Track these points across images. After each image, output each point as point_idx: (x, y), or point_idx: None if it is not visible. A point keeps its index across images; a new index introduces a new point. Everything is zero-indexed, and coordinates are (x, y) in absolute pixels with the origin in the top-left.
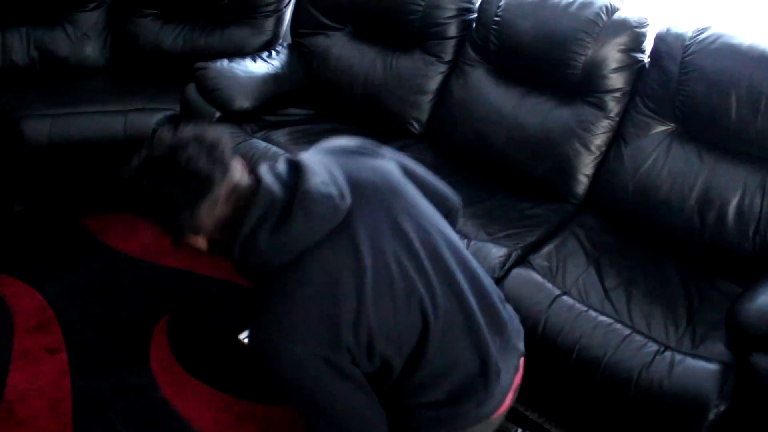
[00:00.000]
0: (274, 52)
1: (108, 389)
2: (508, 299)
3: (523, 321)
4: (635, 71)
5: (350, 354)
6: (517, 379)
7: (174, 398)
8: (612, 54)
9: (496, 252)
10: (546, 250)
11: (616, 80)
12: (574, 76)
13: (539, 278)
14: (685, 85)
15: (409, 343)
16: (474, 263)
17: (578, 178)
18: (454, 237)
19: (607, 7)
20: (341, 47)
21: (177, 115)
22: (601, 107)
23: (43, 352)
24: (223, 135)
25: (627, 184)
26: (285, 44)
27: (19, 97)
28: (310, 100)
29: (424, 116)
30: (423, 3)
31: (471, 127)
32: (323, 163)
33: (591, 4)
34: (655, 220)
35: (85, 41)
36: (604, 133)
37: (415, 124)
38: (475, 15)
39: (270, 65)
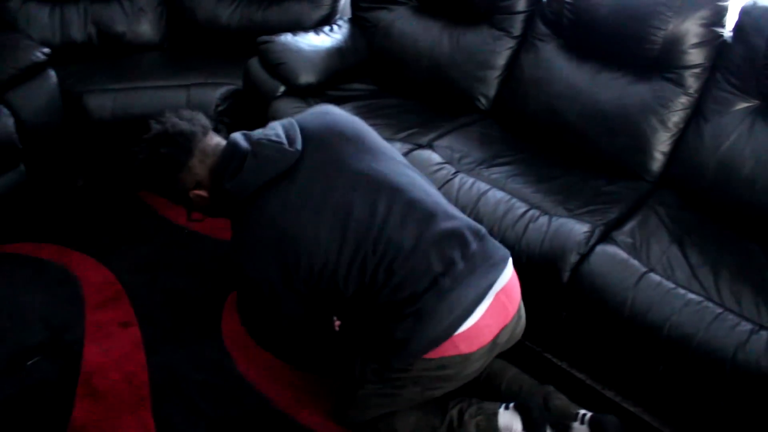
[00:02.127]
0: (335, 27)
1: (183, 363)
2: (593, 276)
3: (610, 298)
4: (716, 46)
5: (294, 274)
6: (495, 314)
7: (250, 372)
8: (693, 28)
9: (580, 228)
10: (628, 227)
11: (696, 55)
12: (652, 51)
13: (624, 255)
14: None
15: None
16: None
17: (654, 155)
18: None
19: None
20: (405, 22)
21: (239, 90)
22: (680, 83)
23: (115, 326)
24: (198, 112)
25: (707, 162)
26: (345, 18)
27: (80, 72)
28: (372, 76)
29: (491, 92)
30: None
31: (543, 103)
32: (287, 122)
33: None
34: (736, 199)
35: (141, 16)
36: (682, 109)
37: (482, 100)
38: None
39: (333, 39)
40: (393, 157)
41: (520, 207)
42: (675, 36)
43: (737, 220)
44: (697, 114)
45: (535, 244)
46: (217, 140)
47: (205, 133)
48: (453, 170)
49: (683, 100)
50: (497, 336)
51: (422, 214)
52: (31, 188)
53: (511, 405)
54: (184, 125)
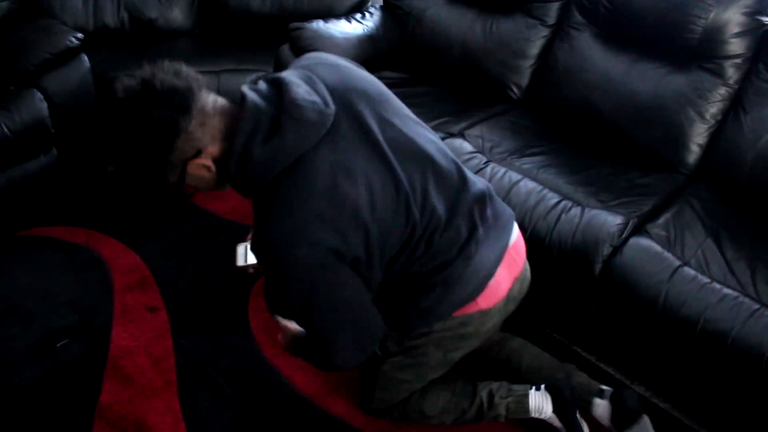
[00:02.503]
0: (367, 14)
1: (210, 348)
2: (626, 269)
3: (643, 292)
4: (759, 36)
5: (350, 247)
6: (508, 268)
7: (276, 359)
8: (735, 17)
9: (613, 220)
10: (662, 219)
11: (738, 45)
12: (691, 40)
13: (658, 248)
14: None
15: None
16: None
17: (690, 147)
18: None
19: None
20: (438, 9)
21: None
22: (719, 74)
23: (143, 310)
24: (181, 63)
25: (746, 155)
26: (377, 5)
27: (112, 58)
28: (404, 64)
29: (524, 81)
30: None
31: (577, 93)
32: (303, 76)
33: None
34: None
35: (173, 3)
36: (720, 101)
37: (515, 89)
38: None
39: (365, 26)
40: (414, 119)
41: (552, 198)
42: (716, 25)
43: None
44: (736, 106)
45: (567, 235)
46: (213, 97)
47: (200, 89)
48: (484, 159)
49: (722, 91)
50: (510, 289)
51: (450, 182)
52: (63, 172)
53: (542, 386)
54: (177, 81)
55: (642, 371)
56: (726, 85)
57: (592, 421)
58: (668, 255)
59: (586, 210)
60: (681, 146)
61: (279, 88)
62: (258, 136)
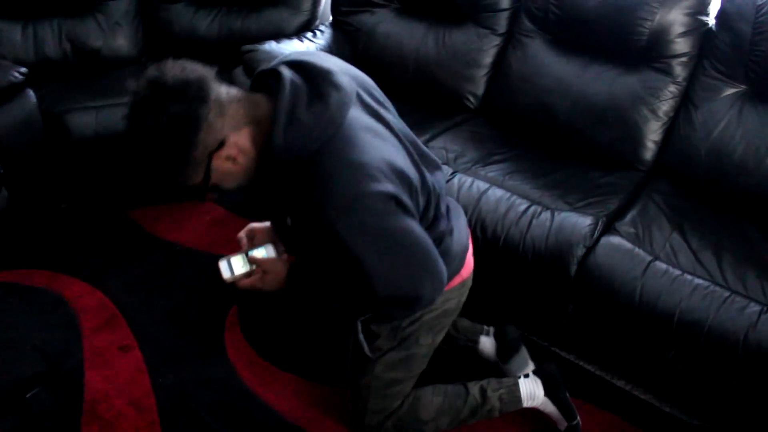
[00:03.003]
0: (318, 33)
1: (189, 383)
2: (601, 268)
3: (619, 288)
4: (701, 34)
5: (402, 196)
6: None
7: (258, 388)
8: (678, 18)
9: (583, 221)
10: (629, 217)
11: (683, 44)
12: (640, 42)
13: (629, 245)
14: (759, 46)
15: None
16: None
17: (646, 144)
18: None
19: None
20: (388, 24)
21: None
22: (668, 72)
23: (115, 350)
24: (184, 59)
25: (700, 149)
26: (327, 24)
27: (58, 91)
28: None
29: (480, 90)
30: None
31: (533, 99)
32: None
33: None
34: (730, 182)
35: (117, 30)
36: (671, 98)
37: (472, 99)
38: None
39: (317, 45)
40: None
41: (522, 204)
42: (661, 26)
43: (732, 203)
44: (686, 102)
45: (540, 239)
46: (225, 86)
47: (213, 74)
48: (451, 170)
49: (672, 88)
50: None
51: (431, 161)
52: (15, 213)
53: (530, 373)
54: (187, 73)
55: (621, 365)
56: (675, 83)
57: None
58: (639, 251)
59: (556, 213)
60: (637, 144)
61: (299, 65)
62: (300, 103)
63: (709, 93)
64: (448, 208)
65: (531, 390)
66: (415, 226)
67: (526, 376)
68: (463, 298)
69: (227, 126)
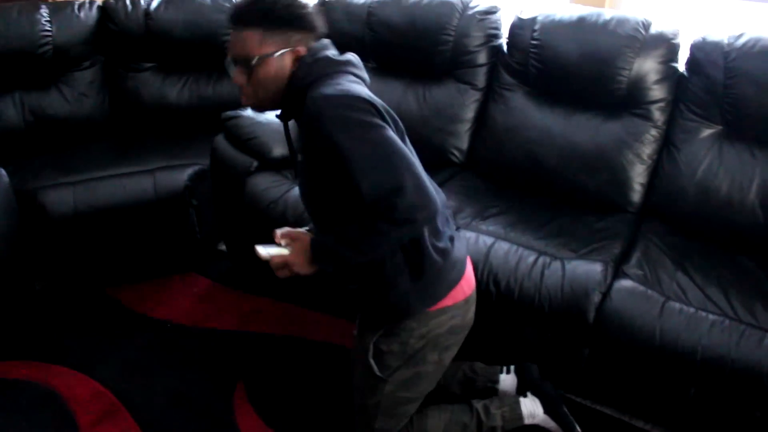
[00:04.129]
0: None
1: None
2: (619, 312)
3: (639, 331)
4: (674, 80)
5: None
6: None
7: None
8: (653, 66)
9: (594, 268)
10: (634, 259)
11: (659, 91)
12: (619, 90)
13: (641, 287)
14: (732, 89)
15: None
16: None
17: (634, 187)
18: None
19: (643, 23)
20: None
21: (206, 170)
22: (648, 117)
23: None
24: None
25: (687, 188)
26: None
27: (26, 167)
28: None
29: (464, 145)
30: (453, 33)
31: (520, 150)
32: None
33: (627, 20)
34: (719, 218)
35: (83, 101)
36: (653, 141)
37: (456, 153)
38: (504, 40)
39: None
40: None
41: (530, 255)
42: (639, 75)
43: (724, 237)
44: (668, 144)
45: (556, 289)
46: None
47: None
48: (454, 227)
49: (654, 132)
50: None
51: (431, 181)
52: None
53: (528, 393)
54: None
55: (640, 405)
56: (656, 127)
57: None
58: (652, 293)
59: (566, 262)
60: (625, 187)
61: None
62: (327, 52)
63: (689, 135)
64: (449, 220)
65: (531, 408)
66: (394, 136)
67: (525, 395)
68: (469, 316)
69: (302, 43)
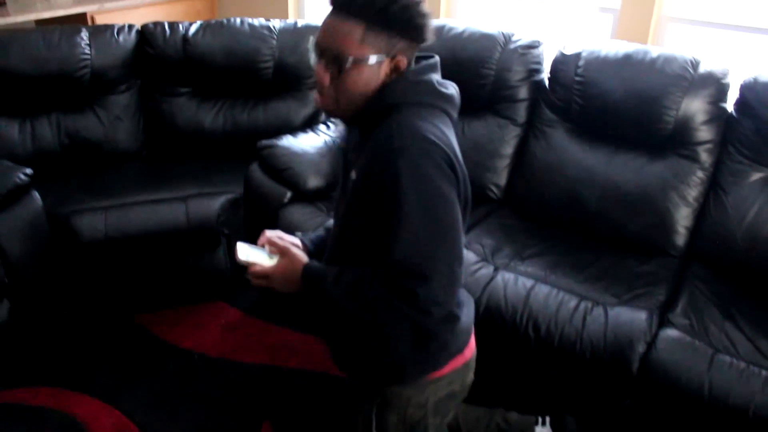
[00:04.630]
0: (331, 125)
1: None
2: (665, 363)
3: (686, 384)
4: (723, 121)
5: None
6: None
7: None
8: (701, 106)
9: (639, 316)
10: (680, 308)
11: (707, 132)
12: (665, 130)
13: (688, 338)
14: None
15: None
16: None
17: (678, 230)
18: None
19: (691, 61)
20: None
21: (238, 199)
22: (695, 159)
23: None
24: None
25: (734, 233)
26: None
27: (60, 190)
28: None
29: (502, 180)
30: (495, 67)
31: (561, 189)
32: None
33: (675, 59)
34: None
35: (117, 125)
36: (700, 184)
37: (494, 189)
38: (546, 76)
39: (330, 137)
40: None
41: (570, 300)
42: (686, 115)
43: None
44: (715, 187)
45: (598, 337)
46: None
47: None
48: (492, 267)
49: (700, 174)
50: None
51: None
52: (18, 326)
53: (547, 422)
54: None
55: None
56: (702, 169)
57: None
58: (700, 344)
59: (608, 308)
60: (670, 230)
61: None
62: (436, 74)
63: (737, 178)
64: None
65: None
66: (458, 220)
67: (543, 424)
68: (468, 380)
69: (404, 54)
